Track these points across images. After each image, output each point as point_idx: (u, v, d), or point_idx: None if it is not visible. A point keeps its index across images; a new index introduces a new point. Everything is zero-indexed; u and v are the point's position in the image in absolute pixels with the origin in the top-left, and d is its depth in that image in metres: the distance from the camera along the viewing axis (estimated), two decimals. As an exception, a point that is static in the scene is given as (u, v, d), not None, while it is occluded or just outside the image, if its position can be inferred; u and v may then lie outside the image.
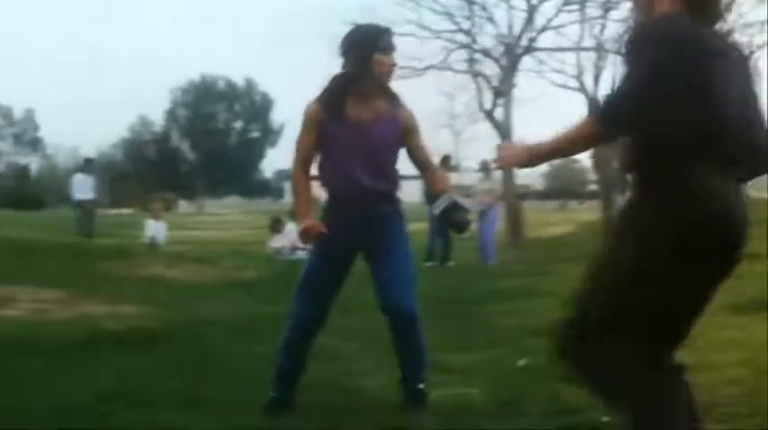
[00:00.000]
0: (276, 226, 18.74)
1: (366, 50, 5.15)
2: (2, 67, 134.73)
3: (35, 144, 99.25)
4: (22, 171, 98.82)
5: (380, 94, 5.26)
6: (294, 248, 17.59)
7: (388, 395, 5.60)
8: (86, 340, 7.23)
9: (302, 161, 5.33)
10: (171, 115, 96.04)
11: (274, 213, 21.20)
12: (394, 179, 5.37)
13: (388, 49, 5.22)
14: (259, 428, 5.05)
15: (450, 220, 5.38)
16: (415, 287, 5.34)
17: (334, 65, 5.37)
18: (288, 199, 60.18)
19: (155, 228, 20.20)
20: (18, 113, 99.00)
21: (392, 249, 5.30)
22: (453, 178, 19.44)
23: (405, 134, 5.30)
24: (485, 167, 18.84)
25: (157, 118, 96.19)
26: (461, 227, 5.40)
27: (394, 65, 5.27)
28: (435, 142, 42.51)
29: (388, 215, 5.34)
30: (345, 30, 5.41)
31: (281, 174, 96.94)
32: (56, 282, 11.05)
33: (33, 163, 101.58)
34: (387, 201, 5.34)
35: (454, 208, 5.33)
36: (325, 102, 5.24)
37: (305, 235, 5.31)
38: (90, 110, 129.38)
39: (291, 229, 17.78)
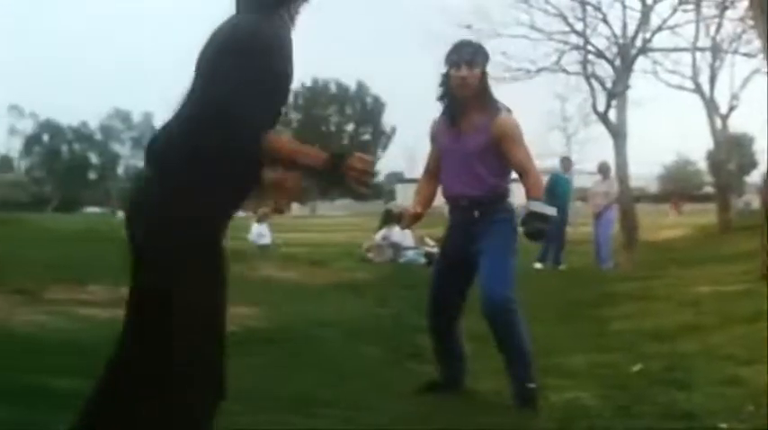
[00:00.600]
0: (388, 218, 18.84)
1: (446, 67, 5.54)
2: (121, 73, 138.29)
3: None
4: (141, 174, 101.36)
5: (479, 107, 5.52)
6: (391, 245, 17.88)
7: (502, 397, 5.61)
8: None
9: (427, 168, 5.95)
10: (283, 118, 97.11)
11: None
12: (491, 186, 5.55)
13: (459, 62, 5.46)
14: (374, 428, 5.08)
15: (525, 229, 5.45)
16: (510, 287, 5.45)
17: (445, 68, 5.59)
18: (399, 201, 60.27)
19: (257, 231, 20.63)
20: (136, 117, 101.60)
21: (489, 251, 5.46)
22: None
23: (497, 142, 5.47)
24: (602, 170, 18.64)
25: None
26: (534, 236, 5.49)
27: (463, 78, 5.45)
28: (548, 144, 42.27)
29: (486, 220, 5.53)
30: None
31: (393, 177, 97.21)
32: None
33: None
34: (482, 206, 5.56)
35: (530, 217, 5.39)
36: (440, 116, 5.73)
37: (404, 217, 6.52)
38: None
39: (396, 231, 17.96)
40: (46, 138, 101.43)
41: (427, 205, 5.92)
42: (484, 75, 5.52)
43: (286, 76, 3.32)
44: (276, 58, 3.25)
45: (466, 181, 5.55)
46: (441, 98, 5.63)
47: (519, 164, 5.50)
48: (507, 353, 5.45)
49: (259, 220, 21.12)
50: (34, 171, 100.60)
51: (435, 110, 5.77)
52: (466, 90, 5.46)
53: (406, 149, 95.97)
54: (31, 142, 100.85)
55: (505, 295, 5.38)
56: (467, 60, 5.45)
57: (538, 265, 16.88)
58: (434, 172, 5.84)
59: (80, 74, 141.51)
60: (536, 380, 5.40)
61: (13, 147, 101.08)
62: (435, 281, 5.85)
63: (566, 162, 19.21)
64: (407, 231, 17.65)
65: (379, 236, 18.80)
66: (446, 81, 5.54)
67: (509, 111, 5.55)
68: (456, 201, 5.70)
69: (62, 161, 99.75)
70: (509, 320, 5.38)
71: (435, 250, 16.60)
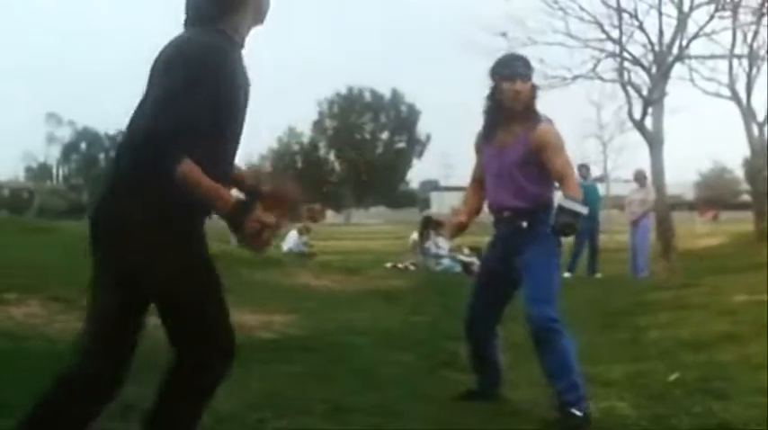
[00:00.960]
0: (427, 224, 18.79)
1: (493, 79, 5.58)
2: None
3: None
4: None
5: (520, 118, 5.53)
6: (424, 252, 17.88)
7: (539, 408, 5.60)
8: (238, 348, 7.36)
9: (473, 178, 6.00)
10: (318, 126, 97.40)
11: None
12: (534, 196, 5.55)
13: (514, 76, 5.50)
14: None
15: (553, 223, 5.41)
16: (554, 303, 5.42)
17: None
18: (434, 209, 60.16)
19: (293, 240, 20.87)
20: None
21: (533, 267, 5.46)
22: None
23: (536, 152, 5.48)
24: (639, 177, 18.56)
25: (305, 129, 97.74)
26: (561, 231, 5.42)
27: (517, 92, 5.49)
28: (583, 151, 42.21)
29: (530, 231, 5.52)
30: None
31: (428, 185, 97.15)
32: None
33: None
34: (526, 217, 5.55)
35: (559, 211, 5.36)
36: (482, 129, 5.75)
37: (449, 226, 6.28)
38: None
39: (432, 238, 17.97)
40: (83, 146, 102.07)
41: (473, 215, 5.96)
42: (533, 87, 5.58)
43: (228, 93, 3.36)
44: (220, 76, 3.30)
45: (508, 192, 5.56)
46: (487, 112, 5.65)
47: (558, 172, 5.50)
48: (550, 373, 5.42)
49: (300, 233, 21.25)
50: (72, 179, 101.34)
51: (470, 118, 5.81)
52: (519, 103, 5.50)
53: (442, 157, 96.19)
54: (69, 150, 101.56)
55: (548, 315, 5.35)
56: (521, 74, 5.51)
57: (566, 275, 16.83)
58: (480, 181, 5.86)
59: (118, 81, 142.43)
60: (584, 406, 5.29)
61: (52, 155, 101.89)
62: (476, 291, 5.86)
63: (583, 169, 19.13)
64: (442, 238, 17.65)
65: (428, 243, 18.81)
66: (494, 94, 5.57)
67: (550, 121, 5.55)
68: (499, 212, 5.70)
69: (99, 169, 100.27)
70: (552, 340, 5.34)
71: (471, 259, 16.63)
